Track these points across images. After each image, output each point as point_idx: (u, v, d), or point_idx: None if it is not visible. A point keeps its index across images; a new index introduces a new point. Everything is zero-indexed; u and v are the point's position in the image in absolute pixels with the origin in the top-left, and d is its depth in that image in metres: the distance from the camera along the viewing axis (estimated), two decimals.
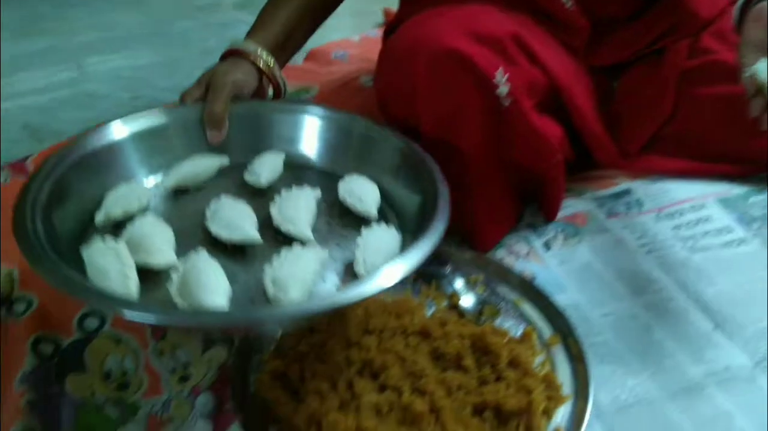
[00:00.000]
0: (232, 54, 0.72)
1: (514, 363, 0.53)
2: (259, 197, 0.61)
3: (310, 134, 0.70)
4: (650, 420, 0.53)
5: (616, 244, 0.69)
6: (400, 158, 0.64)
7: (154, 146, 0.65)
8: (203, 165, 0.64)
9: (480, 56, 0.62)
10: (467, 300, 0.62)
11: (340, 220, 0.61)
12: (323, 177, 0.66)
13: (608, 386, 0.55)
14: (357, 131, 0.68)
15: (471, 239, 0.69)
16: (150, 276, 0.51)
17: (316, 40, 1.31)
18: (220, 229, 0.55)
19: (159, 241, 0.53)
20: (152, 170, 0.64)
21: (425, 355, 0.54)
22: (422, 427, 0.48)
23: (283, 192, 0.60)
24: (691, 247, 0.68)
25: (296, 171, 0.66)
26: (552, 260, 0.68)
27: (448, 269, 0.65)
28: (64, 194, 0.56)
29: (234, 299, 0.49)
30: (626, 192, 0.77)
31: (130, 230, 0.54)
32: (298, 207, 0.58)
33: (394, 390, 0.51)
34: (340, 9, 1.40)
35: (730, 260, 0.66)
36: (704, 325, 0.60)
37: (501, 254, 0.69)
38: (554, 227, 0.72)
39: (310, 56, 1.25)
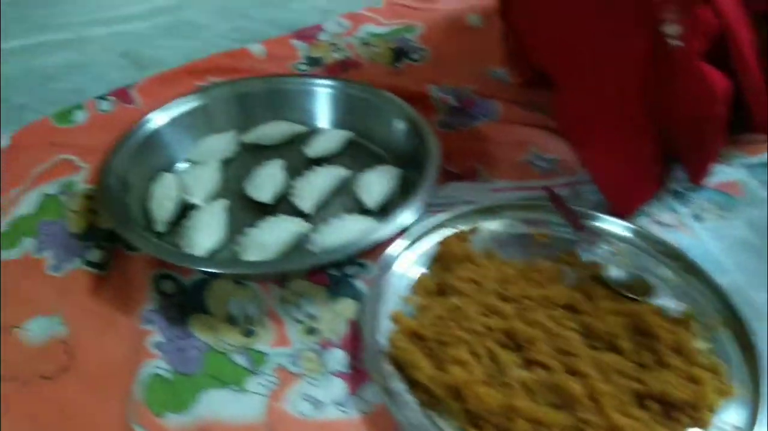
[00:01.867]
0: None
1: (677, 349, 0.48)
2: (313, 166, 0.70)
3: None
4: None
5: None
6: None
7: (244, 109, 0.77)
8: (279, 129, 0.75)
9: None
10: (613, 273, 0.56)
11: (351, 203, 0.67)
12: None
13: None
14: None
15: (609, 200, 0.63)
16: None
17: None
18: (249, 186, 0.67)
19: (202, 184, 0.66)
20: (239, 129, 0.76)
21: (573, 331, 0.50)
22: (577, 412, 0.44)
23: (315, 168, 0.69)
24: None
25: (357, 149, 0.75)
26: (704, 233, 0.61)
27: (586, 234, 0.60)
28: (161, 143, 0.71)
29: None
30: None
31: (191, 172, 0.69)
32: (313, 183, 0.66)
33: (543, 367, 0.47)
34: None
35: None
36: None
37: (643, 223, 0.63)
38: (704, 195, 0.65)
39: None
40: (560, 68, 0.70)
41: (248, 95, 0.77)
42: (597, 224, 0.61)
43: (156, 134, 0.70)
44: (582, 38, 0.63)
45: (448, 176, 0.70)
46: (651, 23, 0.55)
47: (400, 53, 0.95)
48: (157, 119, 0.71)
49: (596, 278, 0.56)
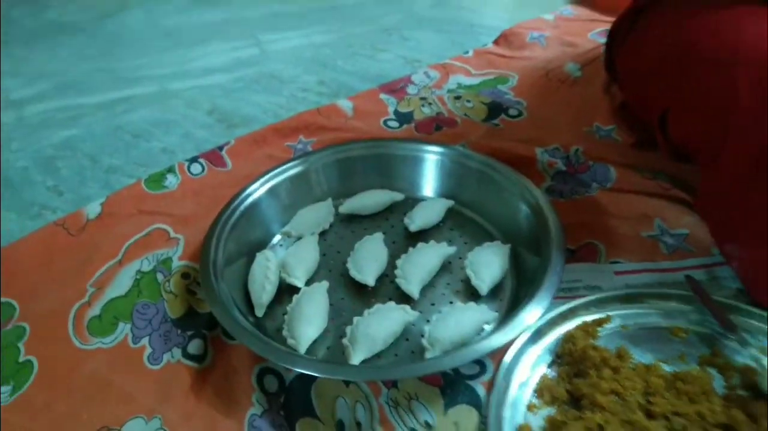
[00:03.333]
0: None
1: None
2: (415, 239, 0.66)
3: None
4: None
5: None
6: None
7: (343, 175, 0.74)
8: (375, 199, 0.71)
9: None
10: None
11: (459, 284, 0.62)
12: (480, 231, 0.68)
13: None
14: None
15: (754, 295, 0.55)
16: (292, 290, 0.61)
17: (505, 20, 1.18)
18: (352, 266, 0.62)
19: (303, 263, 0.62)
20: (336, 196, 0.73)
21: None
22: None
23: (419, 245, 0.64)
24: None
25: (459, 220, 0.70)
26: None
27: (735, 332, 0.52)
28: (260, 217, 0.68)
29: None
30: None
31: (290, 249, 0.65)
32: (418, 264, 0.61)
33: None
34: None
35: None
36: None
37: None
38: None
39: (502, 38, 1.12)
40: (690, 135, 0.63)
41: (347, 161, 0.73)
42: (744, 318, 0.54)
43: (254, 207, 0.67)
44: (722, 99, 0.56)
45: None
46: None
47: (495, 108, 0.90)
48: (256, 192, 0.68)
49: (752, 387, 0.49)
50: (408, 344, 0.56)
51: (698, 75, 0.57)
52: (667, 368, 0.51)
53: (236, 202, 0.66)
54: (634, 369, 0.51)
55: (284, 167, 0.71)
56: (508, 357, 0.52)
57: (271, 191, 0.69)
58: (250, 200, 0.67)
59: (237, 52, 1.16)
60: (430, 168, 0.73)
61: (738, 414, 0.46)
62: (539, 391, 0.51)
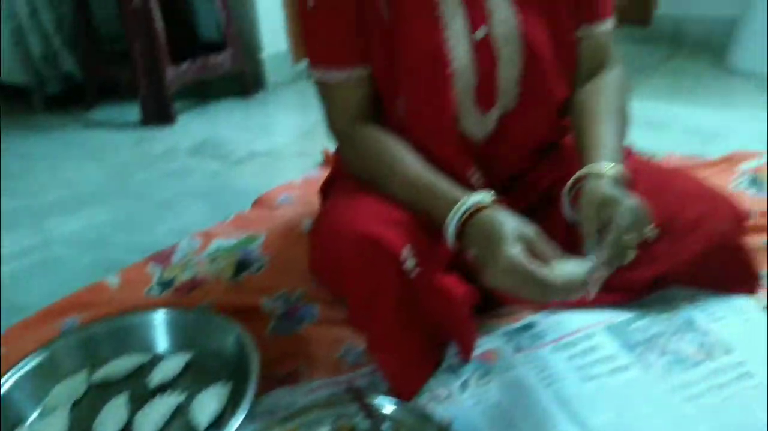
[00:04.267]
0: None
1: None
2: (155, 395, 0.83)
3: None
4: None
5: (521, 380, 0.81)
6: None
7: (95, 349, 0.90)
8: (124, 364, 0.88)
9: (390, 238, 0.74)
10: None
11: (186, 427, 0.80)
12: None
13: None
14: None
15: (394, 387, 0.80)
16: None
17: (265, 186, 1.45)
18: (95, 427, 0.78)
19: None
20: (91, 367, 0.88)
21: None
22: None
23: (155, 399, 0.81)
24: (582, 376, 0.80)
25: (195, 367, 0.89)
26: (468, 401, 0.78)
27: (375, 420, 0.75)
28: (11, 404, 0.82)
29: None
30: (530, 325, 0.90)
31: (40, 422, 0.80)
32: (149, 417, 0.78)
33: None
34: (286, 151, 1.56)
35: (616, 388, 0.78)
36: None
37: (425, 399, 0.79)
38: (470, 366, 0.83)
39: (258, 203, 1.38)
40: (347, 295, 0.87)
41: (92, 338, 0.90)
42: (386, 409, 0.77)
43: (6, 398, 0.80)
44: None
45: (275, 381, 0.85)
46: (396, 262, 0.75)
47: (241, 265, 1.13)
48: (5, 384, 0.81)
49: None
50: None
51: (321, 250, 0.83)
52: None
53: None
54: None
55: (32, 355, 0.85)
56: None
57: (24, 378, 0.83)
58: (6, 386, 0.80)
59: (21, 243, 1.29)
60: (171, 329, 0.92)
61: None
62: None
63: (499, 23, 0.81)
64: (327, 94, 0.85)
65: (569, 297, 0.65)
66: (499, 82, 0.84)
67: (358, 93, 0.83)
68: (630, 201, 0.69)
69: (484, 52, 0.82)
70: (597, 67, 0.89)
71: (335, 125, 0.86)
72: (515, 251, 0.64)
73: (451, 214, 0.71)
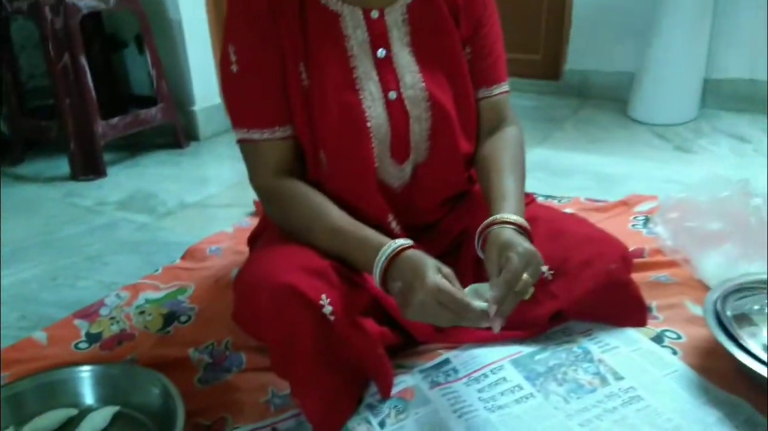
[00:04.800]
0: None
1: None
2: None
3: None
4: None
5: (436, 414, 0.87)
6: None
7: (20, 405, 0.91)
8: (51, 419, 0.88)
9: (307, 286, 0.80)
10: None
11: None
12: None
13: None
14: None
15: (317, 430, 0.84)
16: None
17: (195, 237, 1.48)
18: None
19: None
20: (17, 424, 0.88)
21: None
22: None
23: None
24: (491, 407, 0.87)
25: (125, 422, 0.89)
26: None
27: None
28: None
29: None
30: (445, 362, 0.96)
31: None
32: None
33: None
34: (217, 202, 1.60)
35: (521, 415, 0.85)
36: None
37: None
38: (388, 404, 0.89)
39: (187, 254, 1.40)
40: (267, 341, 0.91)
41: (19, 395, 0.91)
42: None
43: None
44: None
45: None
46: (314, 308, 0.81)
47: (170, 317, 1.15)
48: None
49: None
50: None
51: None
52: None
53: None
54: None
55: None
56: None
57: None
58: None
59: None
60: (98, 383, 0.93)
61: None
62: None
63: (408, 87, 0.91)
64: (250, 151, 0.91)
65: (477, 324, 0.75)
66: (412, 137, 0.93)
67: (280, 150, 0.90)
68: (526, 246, 0.78)
69: (396, 111, 0.91)
70: (497, 124, 1.00)
71: (258, 180, 0.92)
72: (438, 278, 0.74)
73: (379, 254, 0.79)
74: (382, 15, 0.89)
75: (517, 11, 2.68)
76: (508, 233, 0.81)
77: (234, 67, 0.88)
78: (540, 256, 0.79)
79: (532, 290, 0.78)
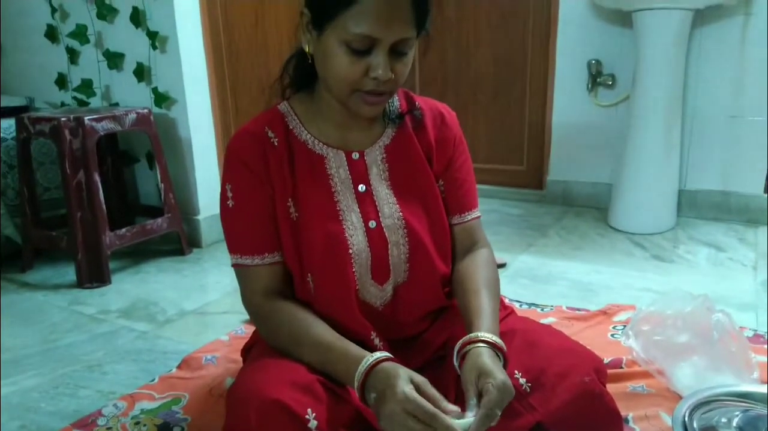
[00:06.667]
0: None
1: None
2: None
3: None
4: None
5: None
6: None
7: None
8: None
9: (294, 401, 0.87)
10: None
11: None
12: None
13: None
14: None
15: None
16: None
17: (192, 345, 1.55)
18: None
19: None
20: None
21: None
22: None
23: None
24: None
25: None
26: None
27: None
28: None
29: None
30: None
31: None
32: None
33: None
34: (215, 309, 1.66)
35: None
36: None
37: None
38: None
39: (184, 363, 1.46)
40: None
41: None
42: None
43: None
44: None
45: None
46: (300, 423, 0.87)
47: (164, 428, 1.20)
48: None
49: None
50: None
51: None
52: None
53: None
54: None
55: None
56: None
57: None
58: None
59: None
60: None
61: None
62: None
63: (387, 216, 1.02)
64: (242, 275, 1.01)
65: None
66: (391, 261, 1.03)
67: (269, 274, 1.00)
68: (502, 378, 0.85)
69: (376, 238, 1.02)
70: (470, 246, 1.10)
71: (250, 300, 1.01)
72: (408, 388, 0.80)
73: (359, 368, 0.86)
74: (362, 156, 1.02)
75: (504, 127, 2.89)
76: (485, 356, 0.88)
77: (230, 203, 1.00)
78: (512, 388, 0.86)
79: (499, 414, 0.85)
